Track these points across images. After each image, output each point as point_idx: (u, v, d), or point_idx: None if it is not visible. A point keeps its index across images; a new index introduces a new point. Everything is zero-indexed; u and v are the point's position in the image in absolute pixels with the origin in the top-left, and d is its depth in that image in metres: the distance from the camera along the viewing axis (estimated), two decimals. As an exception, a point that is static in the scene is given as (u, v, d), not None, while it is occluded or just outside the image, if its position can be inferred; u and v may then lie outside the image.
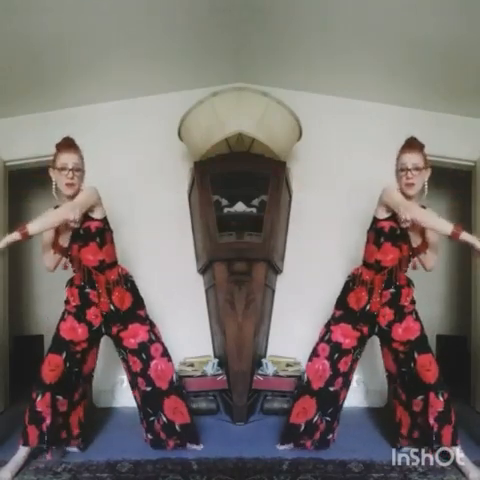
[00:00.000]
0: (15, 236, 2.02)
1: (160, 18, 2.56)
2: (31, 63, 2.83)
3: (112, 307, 2.33)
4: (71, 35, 2.61)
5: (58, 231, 2.30)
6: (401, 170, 2.23)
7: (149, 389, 2.34)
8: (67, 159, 2.22)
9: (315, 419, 2.33)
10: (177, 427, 2.35)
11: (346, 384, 2.41)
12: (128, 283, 2.39)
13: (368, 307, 2.32)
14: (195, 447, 2.37)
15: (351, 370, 2.40)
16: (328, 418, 2.35)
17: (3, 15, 2.37)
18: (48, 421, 2.16)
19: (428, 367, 2.21)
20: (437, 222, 2.14)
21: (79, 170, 2.25)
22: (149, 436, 2.39)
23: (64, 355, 2.22)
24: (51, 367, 2.20)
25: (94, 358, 2.43)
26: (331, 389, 2.34)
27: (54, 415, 2.19)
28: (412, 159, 2.21)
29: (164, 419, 2.34)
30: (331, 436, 2.38)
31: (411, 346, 2.25)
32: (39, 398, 2.17)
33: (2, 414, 3.09)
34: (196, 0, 2.47)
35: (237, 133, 2.81)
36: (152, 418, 2.37)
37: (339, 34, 2.70)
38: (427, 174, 2.25)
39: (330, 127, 3.38)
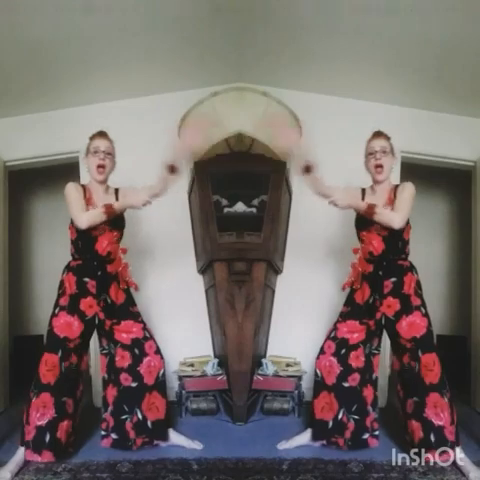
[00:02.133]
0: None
1: (160, 18, 2.56)
2: (31, 63, 2.83)
3: (109, 300, 2.34)
4: (71, 35, 2.61)
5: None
6: (370, 154, 2.38)
7: (134, 385, 2.32)
8: (99, 143, 2.35)
9: (340, 416, 2.33)
10: (149, 423, 2.33)
11: (369, 381, 2.39)
12: (124, 281, 2.40)
13: (371, 299, 2.34)
14: (195, 447, 2.37)
15: (369, 366, 2.39)
16: (356, 416, 2.34)
17: (3, 15, 2.37)
18: (42, 422, 2.14)
19: (431, 367, 2.20)
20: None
21: (110, 154, 2.37)
22: (113, 436, 2.33)
23: (60, 353, 2.21)
24: (48, 367, 2.19)
25: (86, 354, 2.42)
26: (345, 385, 2.33)
27: (62, 417, 2.18)
28: (380, 143, 2.37)
29: (139, 416, 2.32)
30: (367, 435, 2.34)
31: (416, 344, 2.24)
32: (34, 399, 2.17)
33: (2, 414, 3.09)
34: (196, 0, 2.47)
35: (237, 133, 2.81)
36: (125, 416, 2.32)
37: (339, 34, 2.70)
38: (394, 161, 2.41)
39: (330, 127, 3.38)
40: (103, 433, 2.37)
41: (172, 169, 2.25)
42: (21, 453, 2.16)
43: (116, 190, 2.47)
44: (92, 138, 2.40)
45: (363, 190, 2.47)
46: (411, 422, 2.24)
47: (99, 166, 2.33)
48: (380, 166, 2.34)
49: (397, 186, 2.39)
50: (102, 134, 2.40)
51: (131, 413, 2.32)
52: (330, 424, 2.34)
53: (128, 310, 2.39)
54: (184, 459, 2.21)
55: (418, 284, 2.33)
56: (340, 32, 2.68)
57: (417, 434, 2.20)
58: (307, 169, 2.23)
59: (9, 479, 2.03)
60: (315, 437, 2.38)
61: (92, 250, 2.30)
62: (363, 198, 2.42)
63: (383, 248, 2.31)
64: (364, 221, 2.35)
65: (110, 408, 2.36)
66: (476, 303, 3.32)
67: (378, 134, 2.41)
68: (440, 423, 2.15)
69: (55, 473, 2.09)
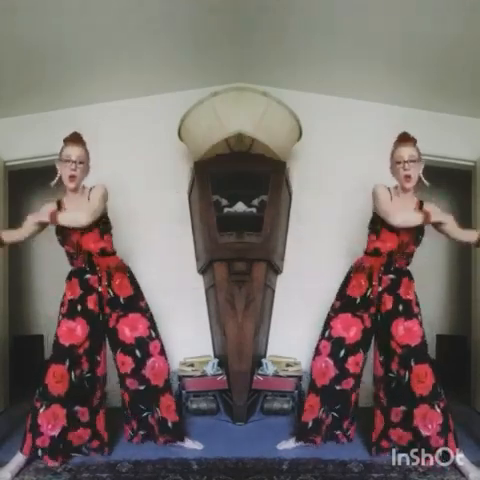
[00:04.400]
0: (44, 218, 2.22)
1: (160, 18, 2.56)
2: (31, 63, 2.83)
3: (112, 293, 2.33)
4: (71, 35, 2.61)
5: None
6: (398, 163, 2.28)
7: (142, 387, 2.33)
8: (71, 151, 2.29)
9: (319, 414, 2.35)
10: (169, 424, 2.36)
11: (359, 386, 2.40)
12: (128, 273, 2.41)
13: (368, 293, 2.32)
14: (195, 447, 2.37)
15: (362, 370, 2.39)
16: (335, 414, 2.37)
17: (4, 15, 2.37)
18: (49, 434, 2.12)
19: (423, 379, 2.16)
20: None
21: (82, 163, 2.31)
22: (141, 432, 2.39)
23: (67, 363, 2.18)
24: (56, 378, 2.15)
25: (104, 359, 2.38)
26: (337, 387, 2.33)
27: (75, 426, 2.18)
28: (408, 151, 2.27)
29: (159, 414, 2.35)
30: (340, 432, 2.40)
31: (409, 352, 2.21)
32: (42, 409, 2.13)
33: (2, 414, 3.09)
34: (196, 0, 2.47)
35: (237, 133, 2.81)
36: (146, 414, 2.36)
37: (339, 34, 2.70)
38: (421, 167, 2.31)
39: (330, 127, 3.38)
40: (131, 434, 2.41)
41: None
42: (21, 454, 2.15)
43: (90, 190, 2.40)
44: (65, 142, 2.33)
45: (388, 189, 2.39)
46: (396, 431, 2.23)
47: (70, 176, 2.28)
48: (409, 176, 2.26)
49: (421, 203, 2.33)
50: (74, 140, 2.32)
51: (150, 410, 2.35)
52: (310, 424, 2.36)
53: (136, 303, 2.38)
54: (184, 459, 2.21)
55: (414, 292, 2.34)
56: (340, 32, 2.68)
57: (404, 440, 2.21)
58: None
59: (9, 479, 2.02)
60: (297, 439, 2.40)
61: (84, 251, 2.31)
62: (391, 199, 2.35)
63: (393, 248, 2.30)
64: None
65: (129, 411, 2.39)
66: (476, 303, 3.32)
67: (406, 139, 2.30)
68: (428, 433, 2.13)
69: (55, 473, 2.09)
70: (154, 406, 2.35)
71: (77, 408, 2.21)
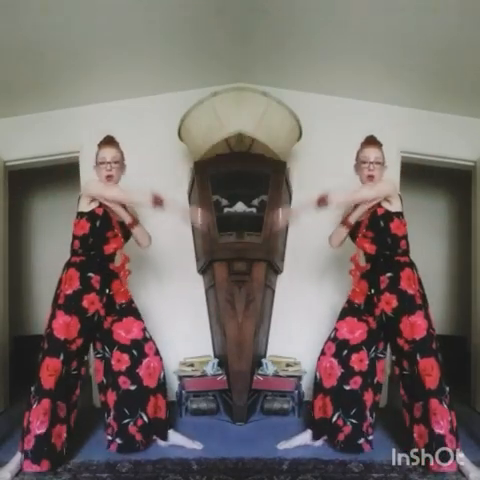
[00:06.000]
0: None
1: (160, 18, 2.56)
2: (31, 63, 2.83)
3: (110, 297, 2.35)
4: (71, 35, 2.61)
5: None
6: (363, 162, 2.40)
7: (133, 388, 2.28)
8: (106, 153, 2.40)
9: (334, 419, 2.29)
10: (153, 424, 2.32)
11: (370, 385, 2.34)
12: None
13: (369, 296, 2.35)
14: (195, 447, 2.37)
15: (373, 370, 2.35)
16: (354, 420, 2.28)
17: (3, 15, 2.37)
18: (42, 430, 2.09)
19: (429, 372, 2.16)
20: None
21: (117, 163, 2.42)
22: (118, 440, 2.27)
23: (62, 357, 2.16)
24: (50, 372, 2.13)
25: (86, 358, 2.40)
26: (346, 387, 2.29)
27: (54, 422, 2.12)
28: (374, 153, 2.39)
29: (145, 419, 2.28)
30: (362, 440, 2.29)
31: (415, 347, 2.20)
32: (35, 405, 2.11)
33: (2, 414, 3.09)
34: (197, 0, 2.47)
35: (237, 133, 2.81)
36: (127, 420, 2.27)
37: (339, 34, 2.70)
38: (383, 171, 2.43)
39: (330, 127, 3.38)
40: (109, 438, 2.31)
41: (157, 201, 2.34)
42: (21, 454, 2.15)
43: None
44: (99, 146, 2.43)
45: None
46: (419, 426, 2.18)
47: (107, 176, 2.38)
48: (372, 176, 2.37)
49: None
50: (108, 142, 2.43)
51: (133, 416, 2.28)
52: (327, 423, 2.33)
53: (130, 307, 2.40)
54: (184, 459, 2.21)
55: (420, 283, 2.33)
56: (340, 32, 2.68)
57: (423, 439, 2.15)
58: (321, 202, 2.31)
59: (9, 479, 2.01)
60: (315, 436, 2.37)
61: (99, 248, 2.33)
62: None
63: (375, 248, 2.35)
64: (353, 230, 2.44)
65: (112, 413, 2.31)
66: (476, 303, 3.32)
67: (372, 142, 2.42)
68: (440, 432, 2.10)
69: (55, 473, 2.09)
70: (140, 410, 2.28)
71: (58, 403, 2.16)
